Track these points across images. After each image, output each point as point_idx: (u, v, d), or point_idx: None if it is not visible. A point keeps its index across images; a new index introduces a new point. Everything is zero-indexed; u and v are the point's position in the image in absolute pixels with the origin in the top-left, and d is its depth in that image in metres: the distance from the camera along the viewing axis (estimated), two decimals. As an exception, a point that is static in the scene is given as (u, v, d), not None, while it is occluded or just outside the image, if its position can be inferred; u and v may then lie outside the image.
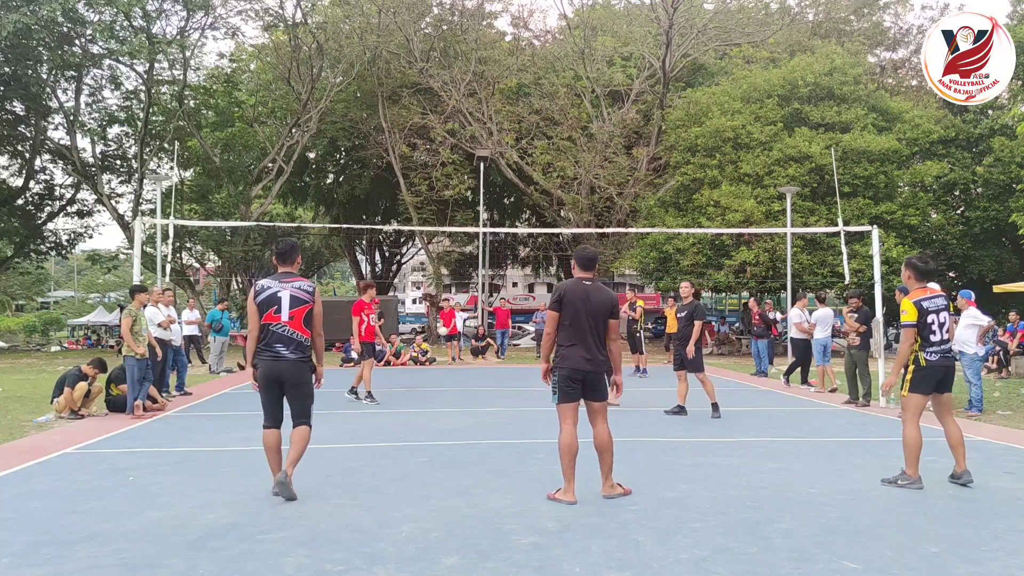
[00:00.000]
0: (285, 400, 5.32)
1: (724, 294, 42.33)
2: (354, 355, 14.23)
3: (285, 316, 5.19)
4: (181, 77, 28.26)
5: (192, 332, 14.70)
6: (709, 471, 6.18)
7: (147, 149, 28.97)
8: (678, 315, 9.84)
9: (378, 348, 17.94)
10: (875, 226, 12.13)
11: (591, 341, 5.18)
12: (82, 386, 9.54)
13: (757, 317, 16.38)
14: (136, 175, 29.12)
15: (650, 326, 39.76)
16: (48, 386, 10.97)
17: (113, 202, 30.08)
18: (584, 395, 5.29)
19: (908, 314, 5.67)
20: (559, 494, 5.20)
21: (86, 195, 32.86)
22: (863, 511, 4.95)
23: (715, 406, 9.42)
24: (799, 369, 13.61)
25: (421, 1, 28.80)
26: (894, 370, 5.79)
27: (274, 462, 5.26)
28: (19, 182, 31.24)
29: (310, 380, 5.34)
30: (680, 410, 9.64)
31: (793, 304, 15.46)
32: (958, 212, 27.71)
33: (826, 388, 12.66)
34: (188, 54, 27.77)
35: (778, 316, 19.92)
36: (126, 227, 28.11)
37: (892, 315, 19.33)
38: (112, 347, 29.61)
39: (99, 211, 33.29)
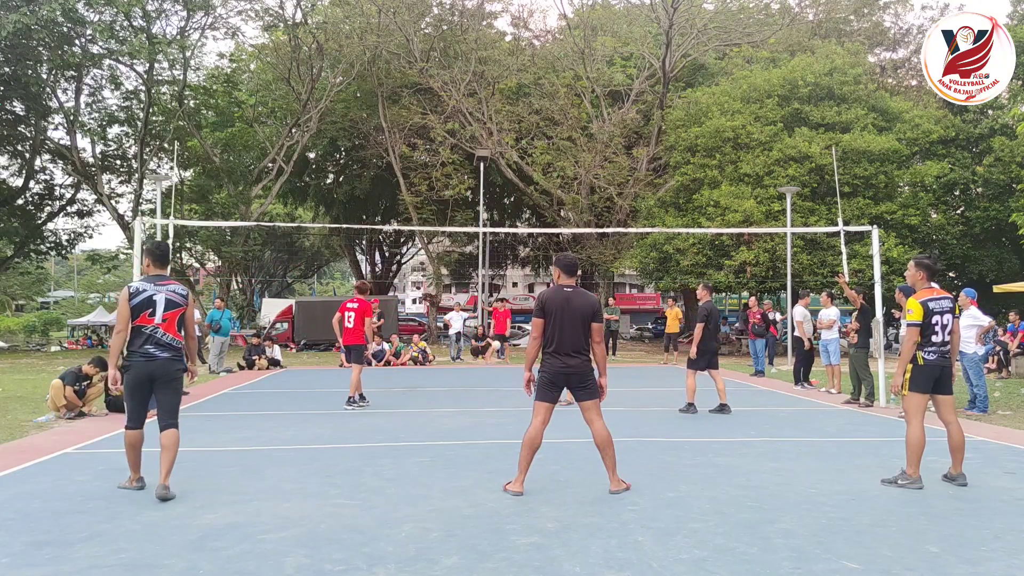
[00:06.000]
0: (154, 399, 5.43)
1: (724, 294, 42.30)
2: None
3: (158, 319, 5.29)
4: (181, 77, 28.28)
5: (192, 332, 14.76)
6: (709, 471, 6.18)
7: (147, 149, 28.97)
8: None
9: (376, 348, 17.97)
10: (875, 226, 12.10)
11: (574, 344, 5.33)
12: (57, 387, 9.39)
13: (757, 316, 16.36)
14: (136, 175, 29.11)
15: (650, 326, 39.68)
16: (48, 386, 10.94)
17: (113, 202, 30.09)
18: (576, 397, 5.47)
19: (914, 313, 5.66)
20: (510, 485, 5.41)
21: (86, 195, 32.89)
22: (863, 511, 4.95)
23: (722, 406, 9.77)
24: (801, 368, 13.57)
25: (421, 1, 28.79)
26: (898, 370, 5.78)
27: (135, 459, 5.45)
28: (19, 182, 31.22)
29: (181, 377, 5.46)
30: (689, 407, 9.77)
31: (795, 303, 15.42)
32: (958, 212, 27.69)
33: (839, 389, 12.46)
34: (188, 54, 27.76)
35: (778, 316, 19.90)
36: (126, 227, 28.10)
37: (892, 315, 19.36)
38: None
39: (99, 211, 33.33)
